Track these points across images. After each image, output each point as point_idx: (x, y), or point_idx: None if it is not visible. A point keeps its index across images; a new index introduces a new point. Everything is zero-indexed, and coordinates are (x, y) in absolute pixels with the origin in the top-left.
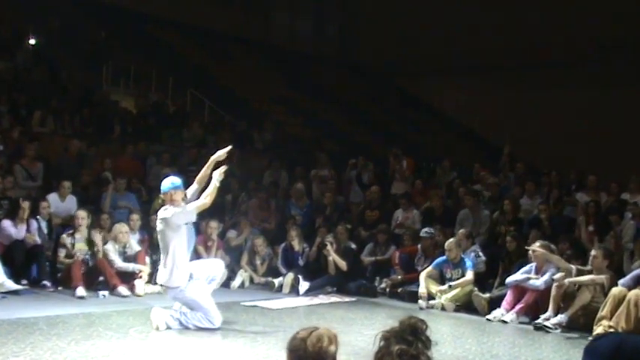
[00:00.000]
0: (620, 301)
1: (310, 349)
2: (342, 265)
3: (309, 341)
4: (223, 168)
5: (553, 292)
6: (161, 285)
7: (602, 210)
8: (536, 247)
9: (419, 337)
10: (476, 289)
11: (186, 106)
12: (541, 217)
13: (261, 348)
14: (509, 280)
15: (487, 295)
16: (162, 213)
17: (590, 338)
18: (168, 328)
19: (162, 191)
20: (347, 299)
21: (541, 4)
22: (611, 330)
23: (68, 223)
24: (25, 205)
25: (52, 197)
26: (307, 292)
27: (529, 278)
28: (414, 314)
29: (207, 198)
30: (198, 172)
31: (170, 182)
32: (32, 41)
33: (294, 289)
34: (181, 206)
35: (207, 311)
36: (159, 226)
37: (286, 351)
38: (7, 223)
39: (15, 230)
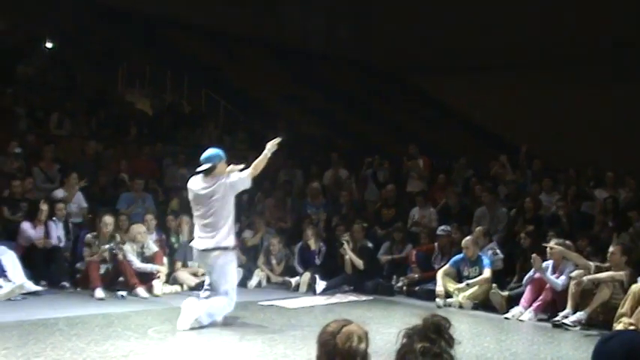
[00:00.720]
0: None
1: (340, 346)
2: (359, 263)
3: (339, 339)
4: (277, 139)
5: (571, 289)
6: (214, 248)
7: (620, 206)
8: (552, 244)
9: (442, 335)
10: (494, 286)
11: (202, 107)
12: (559, 213)
13: (279, 347)
14: (525, 278)
15: (505, 292)
16: (224, 179)
17: (599, 339)
18: (200, 324)
19: (214, 159)
20: (364, 298)
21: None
22: (632, 327)
23: (86, 224)
24: (44, 207)
25: (59, 193)
26: (324, 292)
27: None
28: (432, 313)
29: (256, 167)
30: None
31: (218, 152)
32: (48, 45)
33: (311, 289)
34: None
35: (233, 291)
36: (218, 193)
37: (317, 343)
38: (26, 225)
39: (34, 232)
